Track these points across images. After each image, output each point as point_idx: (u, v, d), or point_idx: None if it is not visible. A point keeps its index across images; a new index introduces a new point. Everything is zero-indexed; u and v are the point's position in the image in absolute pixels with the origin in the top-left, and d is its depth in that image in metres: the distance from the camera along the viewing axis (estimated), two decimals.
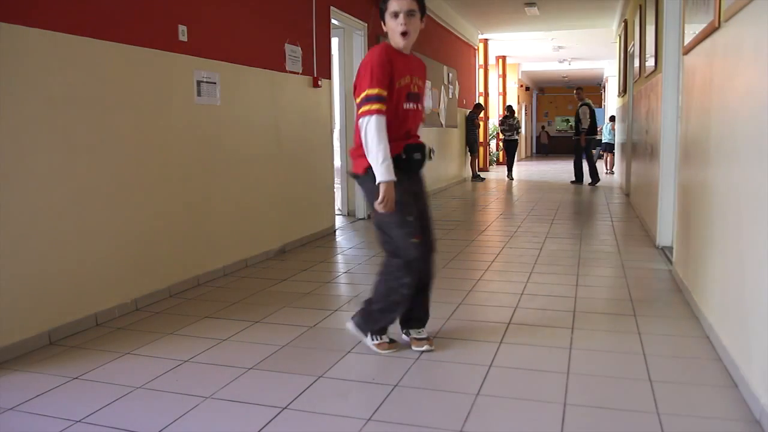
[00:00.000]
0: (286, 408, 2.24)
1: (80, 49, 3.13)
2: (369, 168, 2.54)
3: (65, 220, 3.05)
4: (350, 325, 2.79)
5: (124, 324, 3.25)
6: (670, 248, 4.45)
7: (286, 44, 5.14)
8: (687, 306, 3.39)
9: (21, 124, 2.81)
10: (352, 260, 4.87)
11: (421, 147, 2.70)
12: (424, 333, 2.83)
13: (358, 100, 2.56)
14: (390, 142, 2.51)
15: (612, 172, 13.22)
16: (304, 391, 2.38)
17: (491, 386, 2.40)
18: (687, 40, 3.71)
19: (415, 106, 2.67)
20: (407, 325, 2.85)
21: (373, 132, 2.47)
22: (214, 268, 4.21)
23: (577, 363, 2.61)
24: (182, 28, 3.87)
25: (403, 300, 2.66)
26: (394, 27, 2.58)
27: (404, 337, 2.86)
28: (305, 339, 2.99)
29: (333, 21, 6.07)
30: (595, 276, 4.18)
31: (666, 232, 4.88)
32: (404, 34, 2.57)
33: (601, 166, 14.75)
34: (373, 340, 2.77)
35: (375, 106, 2.48)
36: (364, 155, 2.54)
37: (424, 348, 2.76)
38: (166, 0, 3.76)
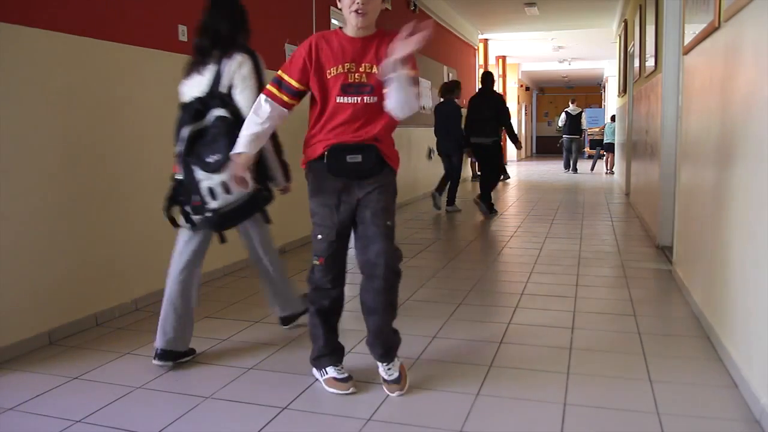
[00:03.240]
0: (286, 408, 2.24)
1: (80, 49, 3.13)
2: (309, 162, 2.34)
3: (65, 220, 3.05)
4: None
5: (124, 324, 3.25)
6: (670, 248, 4.45)
7: (286, 44, 5.14)
8: (687, 306, 3.39)
9: (21, 124, 2.81)
10: (352, 260, 4.85)
11: (361, 148, 2.22)
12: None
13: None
14: (312, 140, 2.31)
15: (612, 172, 13.22)
16: (304, 391, 2.38)
17: (491, 386, 2.40)
18: (687, 40, 3.71)
19: (356, 100, 2.21)
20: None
21: (253, 113, 2.30)
22: (214, 268, 4.21)
23: (577, 363, 2.61)
24: (182, 28, 3.87)
25: (314, 330, 2.40)
26: (347, 3, 2.17)
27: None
28: (305, 339, 2.98)
29: (333, 21, 6.07)
30: (595, 276, 4.18)
31: (666, 232, 4.88)
32: (358, 13, 2.16)
33: (601, 165, 14.77)
34: (319, 373, 2.43)
35: (269, 88, 2.29)
36: (306, 148, 2.35)
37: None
38: (166, 0, 3.76)
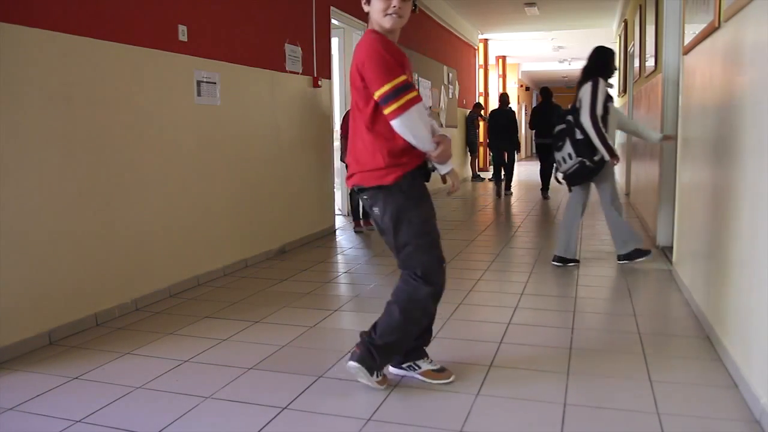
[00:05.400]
0: (286, 408, 2.24)
1: (80, 49, 3.13)
2: (402, 177, 2.20)
3: (65, 219, 3.05)
4: (353, 365, 2.34)
5: (124, 324, 3.25)
6: (670, 248, 4.45)
7: (286, 44, 5.14)
8: (687, 306, 3.39)
9: (21, 124, 2.81)
10: (352, 260, 4.87)
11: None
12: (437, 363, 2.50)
13: (381, 92, 2.12)
14: (407, 151, 2.21)
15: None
16: (304, 391, 2.38)
17: (491, 386, 2.39)
18: (687, 40, 3.71)
19: None
20: (415, 355, 2.48)
21: (416, 122, 2.14)
22: (214, 268, 4.21)
23: (577, 363, 2.61)
24: (182, 28, 3.87)
25: (418, 329, 2.40)
26: (382, 7, 2.16)
27: (399, 370, 2.48)
28: (305, 339, 2.99)
29: (333, 21, 6.07)
30: (595, 276, 4.18)
31: (666, 232, 4.88)
32: (395, 15, 2.16)
33: None
34: (372, 375, 2.35)
35: (411, 94, 2.13)
36: (391, 165, 2.19)
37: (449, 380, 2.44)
38: (166, 0, 3.76)
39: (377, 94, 2.13)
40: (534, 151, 26.39)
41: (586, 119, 4.10)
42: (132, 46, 3.46)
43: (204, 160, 4.10)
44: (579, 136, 4.17)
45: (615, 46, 11.78)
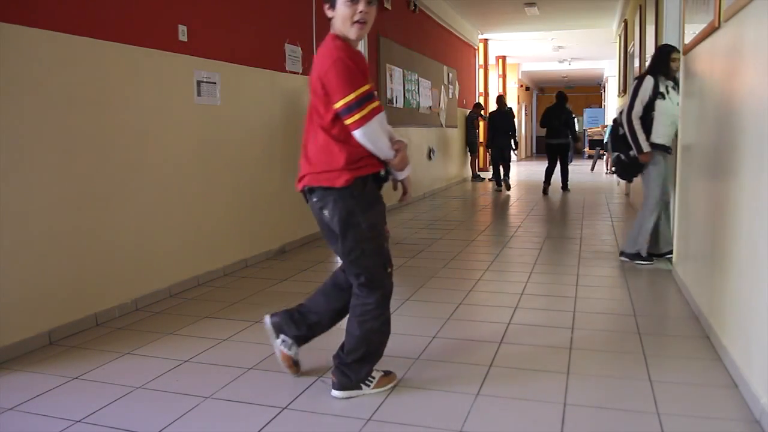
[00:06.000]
0: (286, 408, 2.24)
1: (80, 49, 3.13)
2: (354, 181, 2.15)
3: (65, 219, 3.05)
4: (337, 394, 2.32)
5: (124, 324, 3.25)
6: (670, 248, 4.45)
7: (286, 44, 5.14)
8: (687, 306, 3.39)
9: (21, 124, 2.81)
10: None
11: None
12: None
13: (343, 102, 2.08)
14: (365, 157, 2.18)
15: (612, 172, 13.22)
16: (304, 391, 2.38)
17: (491, 386, 2.39)
18: (687, 40, 3.71)
19: None
20: (307, 331, 2.49)
21: (377, 132, 2.14)
22: (214, 268, 4.21)
23: (577, 363, 2.61)
24: (182, 28, 3.87)
25: (385, 338, 2.35)
26: (348, 14, 2.14)
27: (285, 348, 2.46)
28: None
29: None
30: (595, 276, 4.18)
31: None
32: (361, 24, 2.14)
33: (601, 165, 14.77)
34: (367, 386, 2.34)
35: (373, 104, 2.11)
36: (345, 168, 2.14)
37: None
38: (166, 0, 3.76)
39: (340, 104, 2.10)
40: (534, 151, 26.48)
41: (623, 115, 4.33)
42: (132, 46, 3.46)
43: (204, 160, 4.10)
44: (620, 131, 4.41)
45: (615, 46, 11.78)
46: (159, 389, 2.42)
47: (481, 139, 12.91)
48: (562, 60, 17.92)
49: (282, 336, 2.46)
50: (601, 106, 21.42)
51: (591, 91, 24.57)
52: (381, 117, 2.16)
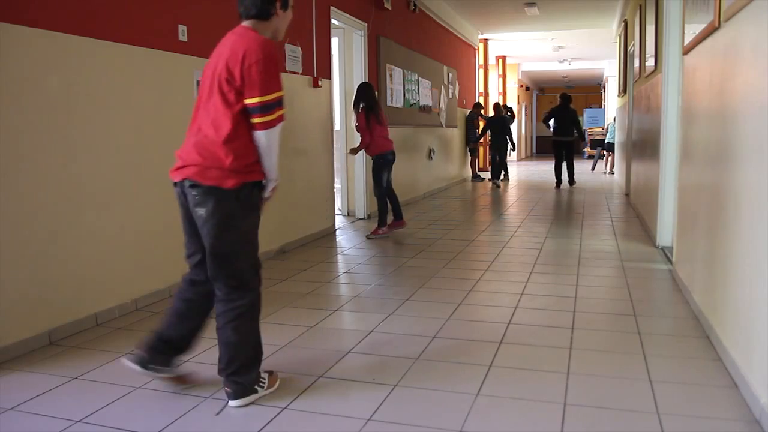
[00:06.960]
0: (286, 408, 2.24)
1: (80, 49, 3.13)
2: (242, 185, 2.16)
3: (65, 219, 3.05)
4: (237, 402, 2.26)
5: (124, 324, 3.25)
6: (670, 248, 4.45)
7: (286, 44, 5.14)
8: (687, 306, 3.39)
9: (21, 124, 2.81)
10: (352, 260, 4.87)
11: None
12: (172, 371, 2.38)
13: (260, 99, 2.10)
14: (257, 163, 2.21)
15: (612, 172, 13.22)
16: (304, 391, 2.38)
17: (491, 386, 2.40)
18: (687, 40, 3.71)
19: None
20: (174, 353, 2.39)
21: (277, 141, 2.21)
22: None
23: (577, 363, 2.61)
24: (182, 28, 3.87)
25: (260, 338, 2.34)
26: (289, 21, 2.37)
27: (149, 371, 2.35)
28: (305, 339, 2.99)
29: (333, 21, 6.07)
30: (595, 276, 4.18)
31: (666, 232, 4.88)
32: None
33: (601, 166, 14.77)
34: (261, 388, 2.31)
35: (283, 111, 2.19)
36: (236, 170, 2.14)
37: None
38: (166, 0, 3.76)
39: (256, 100, 2.09)
40: (534, 151, 26.53)
41: None
42: (132, 46, 3.46)
43: None
44: None
45: (615, 46, 11.78)
46: (159, 389, 2.42)
47: (481, 139, 12.91)
48: (562, 60, 17.91)
49: (150, 366, 2.33)
50: (601, 106, 21.41)
51: (591, 91, 24.56)
52: (280, 128, 2.21)
